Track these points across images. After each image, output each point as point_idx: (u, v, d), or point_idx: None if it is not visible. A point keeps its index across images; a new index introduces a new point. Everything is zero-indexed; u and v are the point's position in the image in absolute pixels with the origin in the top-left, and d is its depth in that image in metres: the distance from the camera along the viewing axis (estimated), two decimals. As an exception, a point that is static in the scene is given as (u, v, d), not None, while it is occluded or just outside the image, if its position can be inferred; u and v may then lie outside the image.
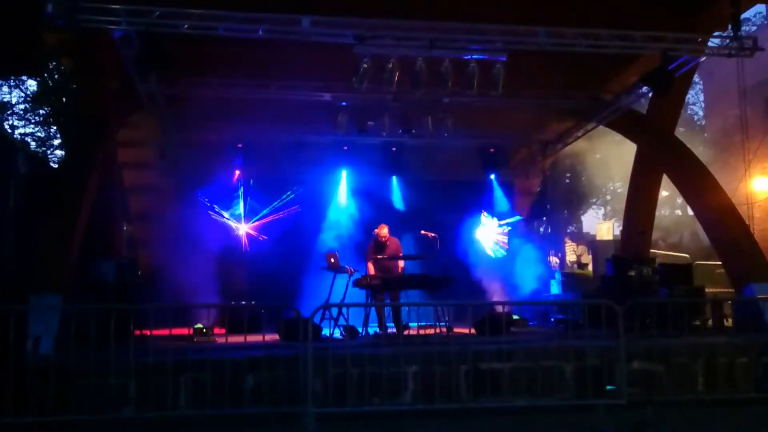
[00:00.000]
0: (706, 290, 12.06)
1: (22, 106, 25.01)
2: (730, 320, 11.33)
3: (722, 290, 12.87)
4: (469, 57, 10.56)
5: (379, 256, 11.37)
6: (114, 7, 9.29)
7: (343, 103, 13.19)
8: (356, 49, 10.11)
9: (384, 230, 11.62)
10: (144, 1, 9.47)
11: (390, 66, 10.41)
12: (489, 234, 16.50)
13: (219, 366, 7.36)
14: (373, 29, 9.97)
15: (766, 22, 24.68)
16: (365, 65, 10.36)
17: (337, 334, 10.42)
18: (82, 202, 10.42)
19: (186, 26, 9.56)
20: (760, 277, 10.90)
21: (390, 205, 16.06)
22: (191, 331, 10.52)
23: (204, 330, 10.56)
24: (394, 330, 10.52)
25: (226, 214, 15.33)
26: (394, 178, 16.28)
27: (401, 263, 11.50)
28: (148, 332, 7.92)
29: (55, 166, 21.79)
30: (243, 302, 12.45)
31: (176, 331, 10.03)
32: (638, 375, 7.95)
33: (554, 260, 15.80)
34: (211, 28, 9.65)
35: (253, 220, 15.57)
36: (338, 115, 13.33)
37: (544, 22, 10.29)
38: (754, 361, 8.33)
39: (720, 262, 12.60)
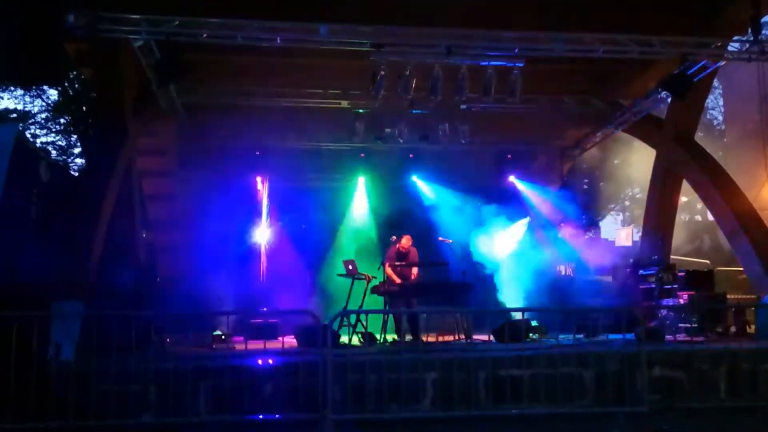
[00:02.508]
0: (728, 296, 11.92)
1: (43, 115, 25.27)
2: (753, 326, 11.18)
3: (744, 296, 12.71)
4: (487, 63, 10.56)
5: (398, 263, 11.35)
6: (134, 17, 9.41)
7: (361, 111, 13.23)
8: (374, 57, 10.15)
9: (407, 241, 11.61)
10: (163, 10, 9.57)
11: (407, 73, 10.43)
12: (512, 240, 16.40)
13: (238, 372, 7.39)
14: (390, 36, 10.00)
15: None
16: (382, 72, 10.38)
17: (355, 340, 10.41)
18: (102, 210, 10.53)
19: (205, 35, 9.67)
20: (782, 282, 10.78)
21: (407, 212, 16.03)
22: (211, 338, 10.56)
23: (223, 336, 10.59)
24: (411, 337, 10.50)
25: (245, 221, 15.37)
26: (413, 183, 16.25)
27: (414, 271, 11.49)
28: (167, 339, 7.97)
29: (76, 174, 22.02)
30: (262, 309, 12.48)
31: (195, 338, 10.13)
32: (659, 381, 7.86)
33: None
34: (230, 37, 9.74)
35: (272, 227, 15.61)
36: (356, 122, 13.37)
37: (561, 28, 10.27)
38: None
39: (741, 268, 12.45)
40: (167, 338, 9.73)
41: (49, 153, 23.84)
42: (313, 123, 14.00)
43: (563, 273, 15.50)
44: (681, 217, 19.63)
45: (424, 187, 16.38)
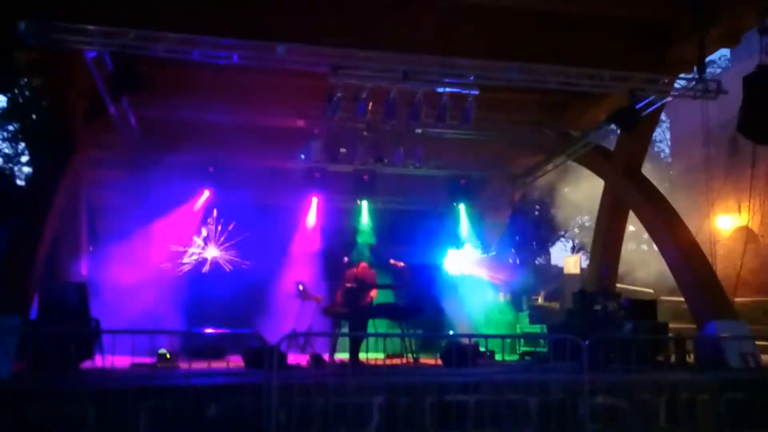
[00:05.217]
0: (671, 326, 12.18)
1: (-10, 122, 24.68)
2: (692, 356, 11.46)
3: (686, 326, 13.01)
4: (442, 90, 10.68)
5: (349, 285, 11.26)
6: (88, 27, 9.23)
7: (316, 131, 13.22)
8: (331, 79, 10.17)
9: (362, 270, 11.54)
10: (119, 22, 9.43)
11: (364, 95, 10.48)
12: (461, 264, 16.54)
13: (181, 393, 7.25)
14: (347, 59, 10.03)
15: (730, 65, 25.34)
16: (339, 94, 10.41)
17: (302, 362, 10.32)
18: (47, 222, 10.27)
19: (161, 49, 9.53)
20: (721, 314, 11.06)
21: (359, 233, 16.02)
22: (154, 357, 10.34)
23: (167, 356, 10.39)
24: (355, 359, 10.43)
25: (194, 238, 15.17)
26: (365, 206, 16.23)
27: (373, 294, 11.43)
28: (109, 357, 7.78)
29: (22, 183, 21.47)
30: (208, 328, 12.28)
31: (138, 357, 9.90)
32: (601, 410, 7.99)
33: None
34: (186, 53, 9.62)
35: (221, 244, 15.44)
36: (311, 142, 13.35)
37: (516, 59, 10.46)
38: (715, 398, 8.43)
39: (683, 299, 12.75)
40: (108, 356, 9.49)
41: (-5, 161, 23.26)
42: (268, 141, 13.94)
43: (509, 299, 15.71)
44: (627, 246, 20.05)
45: (377, 208, 16.39)
